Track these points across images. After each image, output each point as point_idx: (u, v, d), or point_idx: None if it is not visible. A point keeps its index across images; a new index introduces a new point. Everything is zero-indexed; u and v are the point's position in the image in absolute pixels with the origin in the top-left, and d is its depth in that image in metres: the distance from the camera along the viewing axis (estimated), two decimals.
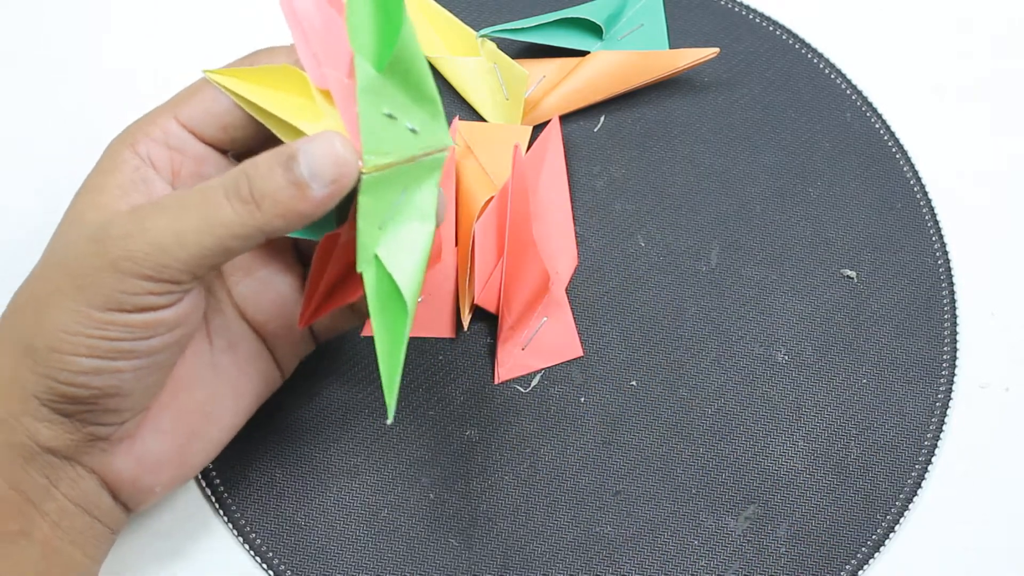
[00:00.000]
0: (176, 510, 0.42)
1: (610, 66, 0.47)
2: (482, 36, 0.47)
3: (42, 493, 0.34)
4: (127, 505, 0.37)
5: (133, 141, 0.35)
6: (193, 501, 0.42)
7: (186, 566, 0.41)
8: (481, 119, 0.48)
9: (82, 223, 0.33)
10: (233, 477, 0.42)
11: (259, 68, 0.35)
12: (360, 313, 0.40)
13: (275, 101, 0.35)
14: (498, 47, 0.47)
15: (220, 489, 0.42)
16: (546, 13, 0.48)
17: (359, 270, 0.33)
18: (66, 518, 0.35)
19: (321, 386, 0.43)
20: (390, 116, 0.33)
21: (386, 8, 0.33)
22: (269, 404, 0.43)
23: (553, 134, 0.47)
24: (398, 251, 0.33)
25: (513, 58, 0.47)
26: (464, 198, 0.45)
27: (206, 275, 0.33)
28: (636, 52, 0.48)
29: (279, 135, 0.35)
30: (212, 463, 0.42)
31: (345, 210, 0.35)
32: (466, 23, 0.50)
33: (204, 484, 0.42)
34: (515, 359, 0.44)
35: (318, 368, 0.43)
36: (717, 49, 0.48)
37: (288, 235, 0.36)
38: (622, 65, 0.47)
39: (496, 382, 0.44)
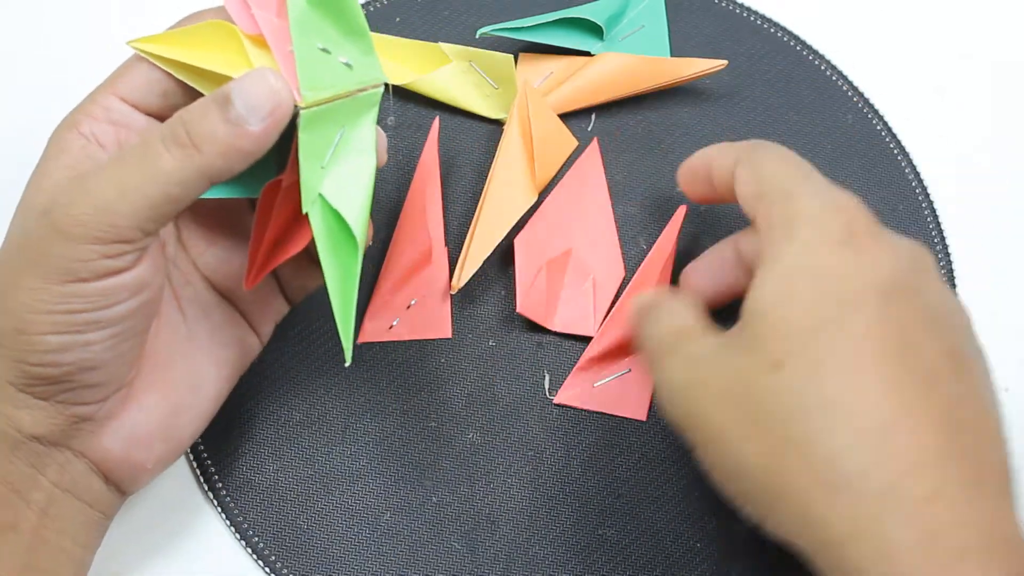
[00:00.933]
0: (178, 512, 0.42)
1: (616, 69, 0.47)
2: (481, 34, 0.47)
3: (28, 482, 0.34)
4: (120, 487, 0.37)
5: (76, 123, 0.35)
6: (195, 504, 0.42)
7: (187, 568, 0.41)
8: (482, 119, 0.48)
9: (33, 208, 0.33)
10: (235, 481, 0.42)
11: (185, 29, 0.35)
12: None
13: (205, 58, 0.35)
14: (499, 47, 0.47)
15: (222, 492, 0.42)
16: (547, 13, 0.48)
17: (305, 211, 0.33)
18: (53, 506, 0.34)
19: (323, 390, 0.43)
20: (324, 50, 0.33)
21: None
22: (271, 407, 0.43)
23: (592, 154, 0.47)
24: (342, 187, 0.33)
25: (522, 54, 0.47)
26: (499, 168, 0.45)
27: (157, 231, 0.32)
28: (644, 57, 0.48)
29: None
30: (214, 467, 0.42)
31: (285, 157, 0.35)
32: (466, 24, 0.50)
33: (206, 487, 0.42)
34: (583, 390, 0.43)
35: (320, 371, 0.43)
36: (725, 61, 0.47)
37: (231, 195, 0.36)
38: (628, 69, 0.47)
39: (555, 401, 0.43)
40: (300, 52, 0.32)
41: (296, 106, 0.32)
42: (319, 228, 0.33)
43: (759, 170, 0.35)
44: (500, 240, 0.43)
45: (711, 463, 0.33)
